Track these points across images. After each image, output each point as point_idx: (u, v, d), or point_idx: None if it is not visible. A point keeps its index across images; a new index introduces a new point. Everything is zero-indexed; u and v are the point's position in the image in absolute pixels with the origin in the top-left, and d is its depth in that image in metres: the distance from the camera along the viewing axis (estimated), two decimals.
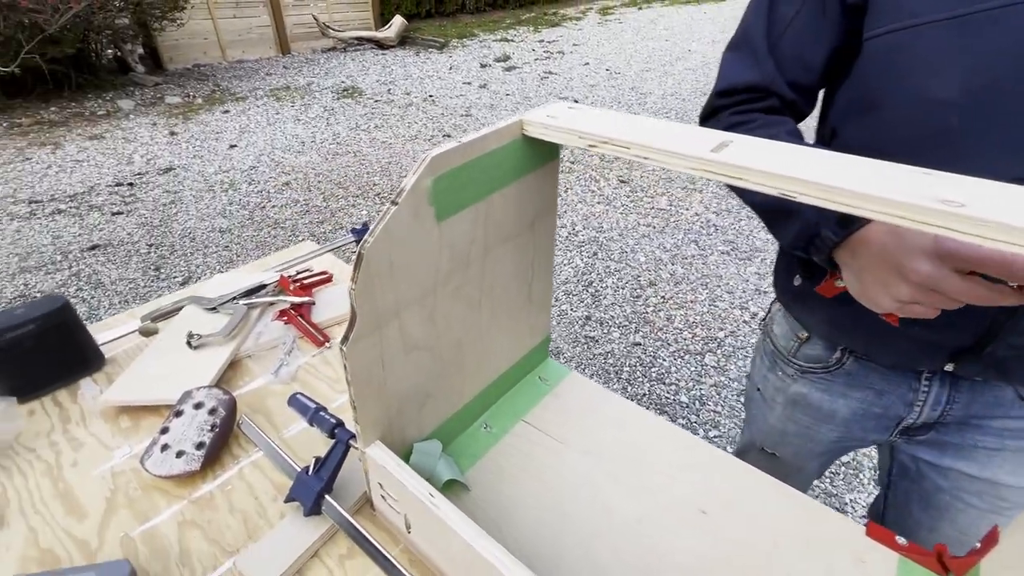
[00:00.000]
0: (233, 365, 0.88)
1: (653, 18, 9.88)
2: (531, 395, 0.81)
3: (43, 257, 2.90)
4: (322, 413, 0.66)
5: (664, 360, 2.27)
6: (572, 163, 4.22)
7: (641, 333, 2.41)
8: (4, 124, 4.77)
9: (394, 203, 0.47)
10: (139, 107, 5.26)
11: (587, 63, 6.91)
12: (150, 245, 3.03)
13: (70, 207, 3.49)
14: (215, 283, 1.05)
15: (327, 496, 0.62)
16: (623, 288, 2.72)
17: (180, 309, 0.99)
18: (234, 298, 0.99)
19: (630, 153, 0.48)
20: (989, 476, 0.65)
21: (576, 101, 5.53)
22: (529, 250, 0.69)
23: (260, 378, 0.86)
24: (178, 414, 0.74)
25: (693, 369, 2.19)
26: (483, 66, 6.81)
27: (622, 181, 3.89)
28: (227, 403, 0.75)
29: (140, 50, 6.09)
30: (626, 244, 3.11)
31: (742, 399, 2.01)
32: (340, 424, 0.64)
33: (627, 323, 2.48)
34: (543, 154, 0.61)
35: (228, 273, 1.11)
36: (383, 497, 0.61)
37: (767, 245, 2.97)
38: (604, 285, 2.75)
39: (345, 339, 0.50)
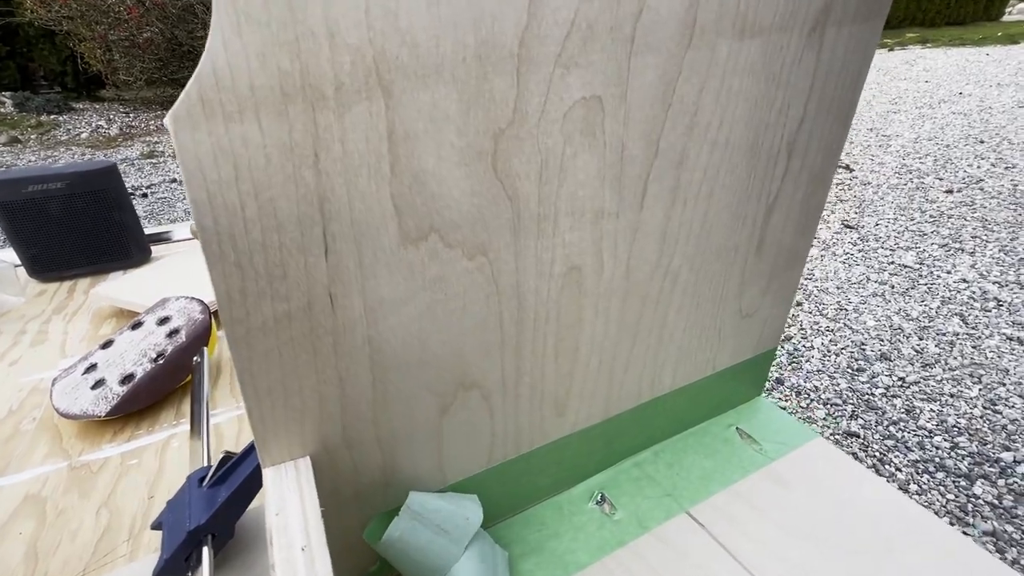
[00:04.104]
0: None
1: (908, 59, 8.36)
2: (716, 461, 0.37)
3: None
4: None
5: (899, 470, 1.52)
6: None
7: (862, 421, 1.68)
8: None
9: None
10: None
11: None
12: None
13: None
14: None
15: (208, 549, 0.27)
16: (837, 355, 1.99)
17: None
18: None
19: None
20: None
21: None
22: (778, 153, 0.27)
23: None
24: (136, 326, 0.48)
25: (952, 499, 1.41)
26: None
27: (848, 226, 3.06)
28: (195, 327, 0.47)
29: None
30: (847, 301, 2.34)
31: None
32: None
33: (840, 402, 1.77)
34: None
35: None
36: None
37: None
38: (809, 345, 2.05)
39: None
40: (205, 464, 0.32)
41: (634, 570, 0.30)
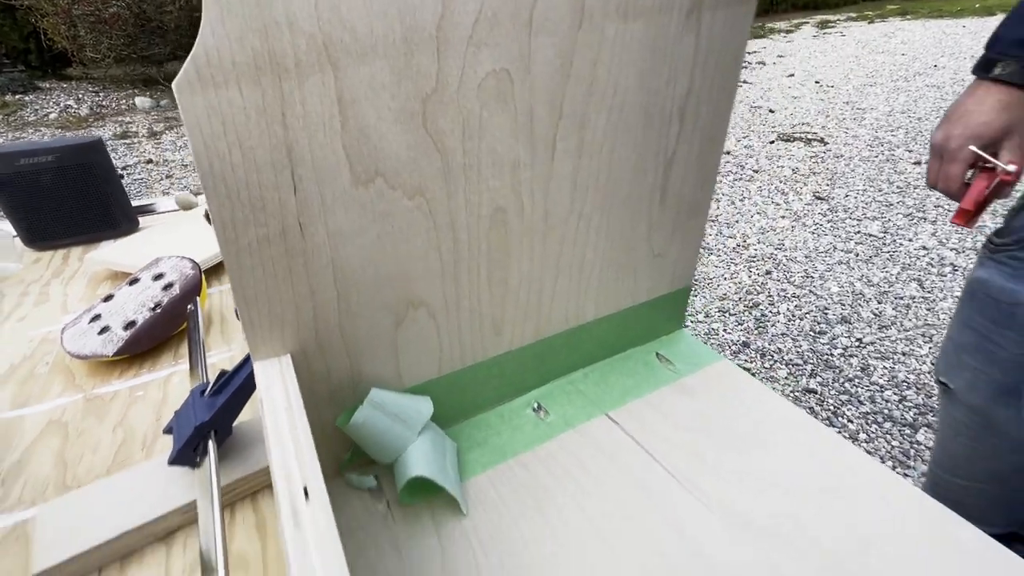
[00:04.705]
0: None
1: (887, 32, 8.40)
2: (636, 378, 0.44)
3: None
4: None
5: (851, 421, 1.64)
6: (755, 172, 3.59)
7: (820, 379, 1.80)
8: None
9: None
10: None
11: (791, 74, 6.02)
12: None
13: None
14: None
15: (212, 442, 0.34)
16: (801, 319, 2.10)
17: None
18: None
19: None
20: None
21: (772, 111, 4.79)
22: (670, 117, 0.34)
23: None
24: (133, 282, 0.54)
25: (897, 444, 1.54)
26: None
27: (819, 198, 3.16)
28: (188, 280, 0.53)
29: None
30: (813, 268, 2.45)
31: None
32: None
33: (801, 362, 1.88)
34: None
35: None
36: None
37: None
38: (775, 310, 2.15)
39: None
40: (204, 382, 0.39)
41: (559, 456, 0.37)
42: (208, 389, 0.36)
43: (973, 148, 0.54)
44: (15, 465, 0.39)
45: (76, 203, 0.71)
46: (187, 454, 0.34)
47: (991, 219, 2.54)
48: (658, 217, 0.40)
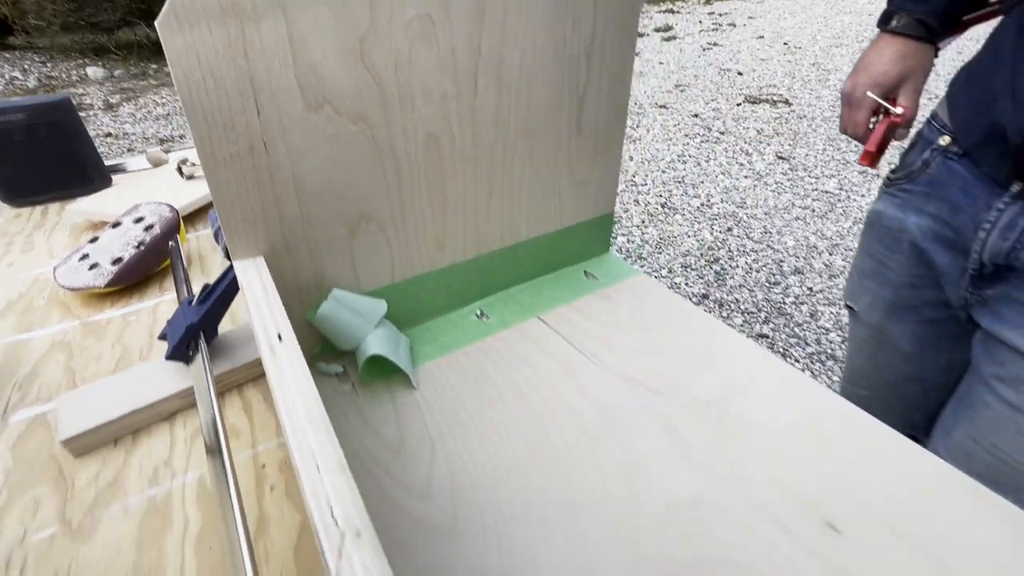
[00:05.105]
0: None
1: None
2: (564, 290, 0.52)
3: None
4: None
5: (798, 361, 1.77)
6: (722, 133, 3.66)
7: (772, 325, 1.93)
8: None
9: None
10: None
11: (761, 36, 6.06)
12: None
13: None
14: None
15: (202, 341, 0.41)
16: (758, 271, 2.22)
17: None
18: None
19: None
20: None
21: (741, 74, 4.84)
22: (578, 58, 0.40)
23: None
24: (115, 225, 0.59)
25: (836, 379, 1.68)
26: (639, 35, 6.33)
27: (781, 157, 3.26)
28: (167, 222, 0.58)
29: None
30: (772, 224, 2.56)
31: None
32: None
33: (755, 310, 2.00)
34: None
35: None
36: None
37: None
38: (734, 264, 2.27)
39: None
40: (190, 296, 0.45)
41: (496, 347, 0.45)
42: (196, 298, 0.42)
43: (871, 95, 0.62)
44: (28, 375, 0.46)
45: (49, 160, 0.74)
46: (181, 351, 0.41)
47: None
48: (576, 148, 0.47)
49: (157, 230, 0.57)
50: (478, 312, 0.49)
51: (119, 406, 0.38)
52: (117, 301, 0.55)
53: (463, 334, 0.47)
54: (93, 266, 0.54)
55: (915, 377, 0.73)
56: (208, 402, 0.35)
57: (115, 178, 0.83)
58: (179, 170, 0.73)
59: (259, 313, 0.30)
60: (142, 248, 0.55)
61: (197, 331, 0.41)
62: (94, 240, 0.57)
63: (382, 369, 0.41)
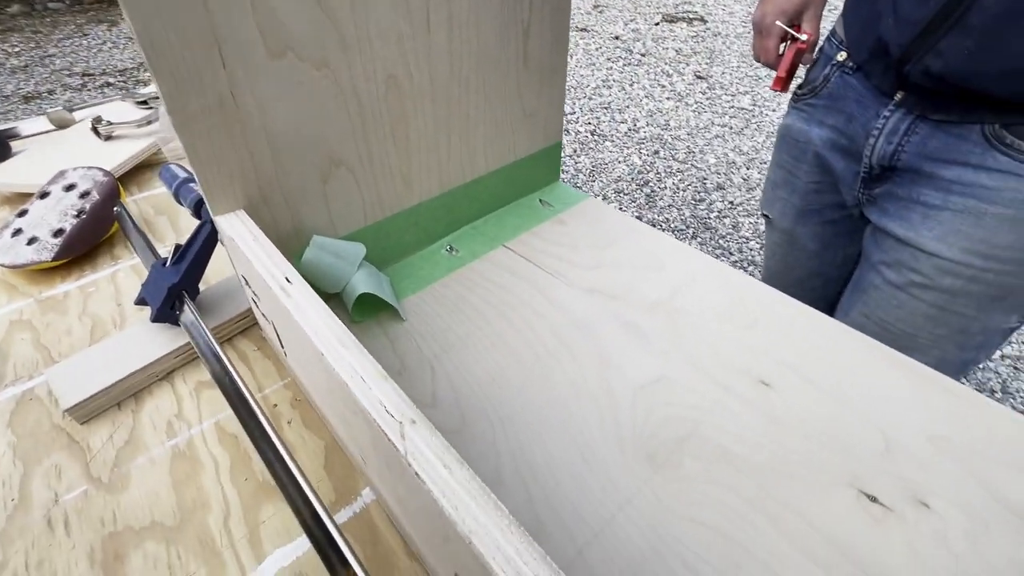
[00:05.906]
0: (148, 166, 0.68)
1: None
2: (524, 218, 0.56)
3: None
4: (191, 184, 0.44)
5: None
6: (643, 55, 3.68)
7: (699, 240, 2.08)
8: (67, 1, 4.73)
9: None
10: None
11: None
12: None
13: (119, 80, 3.43)
14: None
15: (187, 300, 0.41)
16: (684, 190, 2.36)
17: (109, 103, 0.79)
18: None
19: None
20: (914, 238, 0.60)
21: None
22: None
23: None
24: (43, 196, 0.55)
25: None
26: None
27: (699, 77, 3.35)
28: (105, 186, 0.55)
29: None
30: (694, 144, 2.68)
31: None
32: None
33: (684, 227, 2.15)
34: None
35: None
36: (255, 301, 0.40)
37: None
38: (663, 186, 2.39)
39: None
40: (161, 258, 0.45)
41: (470, 276, 0.49)
42: (170, 258, 0.43)
43: (778, 23, 0.67)
44: None
45: None
46: (166, 312, 0.42)
47: None
48: (525, 79, 0.49)
49: (96, 196, 0.54)
50: (448, 247, 0.52)
51: (117, 370, 0.39)
52: (68, 275, 0.53)
53: (437, 268, 0.50)
54: (32, 240, 0.51)
55: (818, 272, 0.85)
56: (211, 352, 0.37)
57: (14, 145, 0.75)
58: (95, 130, 0.68)
59: (260, 262, 0.32)
60: (83, 217, 0.53)
61: (180, 291, 0.41)
62: (23, 214, 0.54)
63: (370, 307, 0.44)
